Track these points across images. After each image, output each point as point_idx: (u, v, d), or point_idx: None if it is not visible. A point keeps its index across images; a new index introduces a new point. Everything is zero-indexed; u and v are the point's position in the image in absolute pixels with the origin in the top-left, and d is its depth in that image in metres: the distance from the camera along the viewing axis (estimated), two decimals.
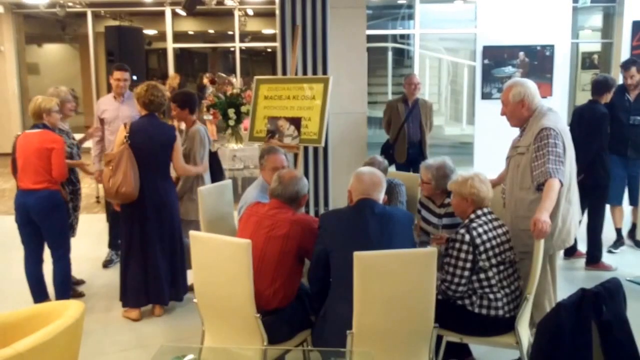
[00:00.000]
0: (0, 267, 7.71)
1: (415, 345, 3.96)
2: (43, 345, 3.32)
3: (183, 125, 7.09)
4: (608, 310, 3.23)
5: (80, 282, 6.83)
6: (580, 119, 7.05)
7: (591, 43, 16.95)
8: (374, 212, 4.09)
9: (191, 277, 6.37)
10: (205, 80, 15.07)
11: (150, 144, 5.79)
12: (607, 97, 7.07)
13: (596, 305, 3.22)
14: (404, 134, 8.68)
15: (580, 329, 3.19)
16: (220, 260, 4.12)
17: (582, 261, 7.36)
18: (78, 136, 6.96)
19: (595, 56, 16.64)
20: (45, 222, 5.90)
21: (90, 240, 8.20)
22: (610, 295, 3.31)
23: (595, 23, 16.74)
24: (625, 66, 7.43)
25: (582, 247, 7.40)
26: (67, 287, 6.12)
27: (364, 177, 4.24)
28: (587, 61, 16.78)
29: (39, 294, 5.98)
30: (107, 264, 7.44)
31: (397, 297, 3.79)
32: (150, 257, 5.91)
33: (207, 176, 6.41)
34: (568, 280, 6.71)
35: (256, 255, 4.07)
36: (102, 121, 7.21)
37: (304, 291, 4.52)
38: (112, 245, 7.51)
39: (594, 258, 7.24)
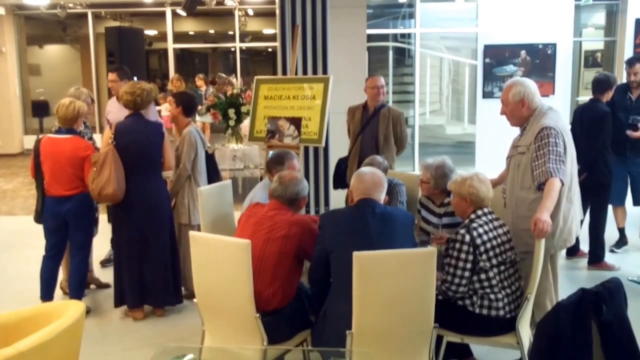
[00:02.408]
0: (1, 267, 7.71)
1: (415, 345, 3.96)
2: (44, 345, 3.35)
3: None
4: (608, 310, 3.23)
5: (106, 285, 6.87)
6: (582, 118, 7.03)
7: (594, 41, 16.93)
8: (374, 212, 4.10)
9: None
10: (199, 82, 15.00)
11: (136, 145, 5.80)
12: (609, 95, 7.03)
13: (596, 305, 3.22)
14: (357, 150, 7.13)
15: (580, 329, 3.19)
16: (220, 260, 4.13)
17: (584, 261, 7.35)
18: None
19: (599, 54, 16.63)
20: (80, 224, 5.96)
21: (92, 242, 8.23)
22: (610, 295, 3.31)
23: (598, 21, 16.72)
24: (630, 63, 7.39)
25: (585, 247, 7.39)
26: (83, 287, 6.18)
27: (365, 177, 4.24)
28: (590, 59, 16.76)
29: (47, 293, 6.00)
30: (105, 263, 7.46)
31: (397, 297, 3.80)
32: (140, 259, 5.93)
33: (202, 178, 6.38)
34: (570, 280, 6.70)
35: (255, 256, 4.08)
36: (108, 122, 7.21)
37: (304, 291, 4.54)
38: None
39: (596, 258, 7.23)
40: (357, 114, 7.18)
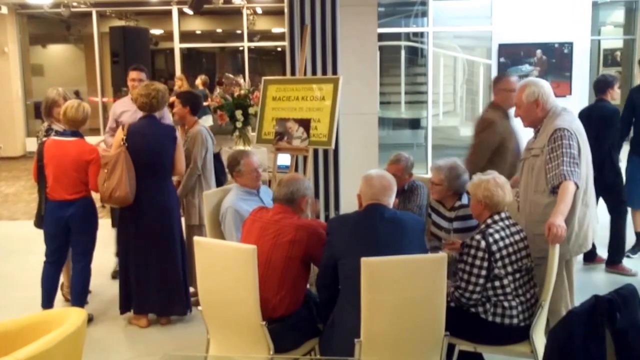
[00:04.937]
0: (3, 273, 7.75)
1: (425, 354, 3.96)
2: (44, 353, 3.34)
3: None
4: (622, 317, 3.22)
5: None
6: (589, 118, 7.01)
7: (613, 39, 16.90)
8: (383, 217, 4.10)
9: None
10: (198, 82, 15.00)
11: (148, 147, 5.81)
12: (613, 94, 7.11)
13: (610, 312, 3.21)
14: (514, 166, 5.84)
15: (593, 337, 3.19)
16: (225, 266, 4.14)
17: (602, 267, 7.34)
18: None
19: (618, 53, 16.60)
20: (83, 229, 5.97)
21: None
22: (624, 302, 3.30)
23: (617, 18, 16.70)
24: None
25: (603, 253, 7.37)
26: (86, 294, 6.20)
27: (373, 181, 4.23)
28: (609, 58, 16.75)
29: (48, 301, 6.01)
30: (116, 275, 7.40)
31: (406, 305, 3.81)
32: (148, 265, 5.93)
33: (213, 180, 6.45)
34: (587, 287, 6.66)
35: (262, 262, 4.10)
36: (118, 124, 7.14)
37: (312, 299, 4.55)
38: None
39: (614, 259, 7.25)
40: (507, 125, 6.14)
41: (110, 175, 5.64)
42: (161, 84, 6.07)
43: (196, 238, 4.31)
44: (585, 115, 7.17)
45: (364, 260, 3.68)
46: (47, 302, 6.00)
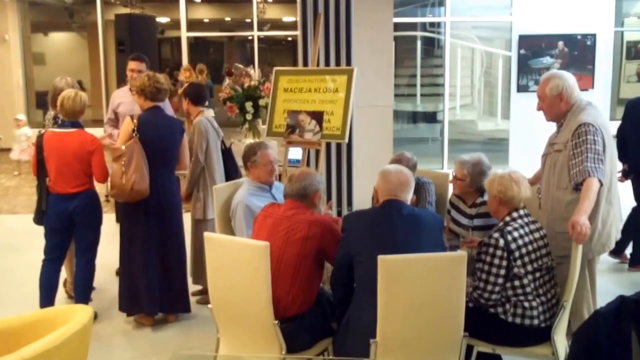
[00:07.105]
0: (4, 269, 7.79)
1: (443, 356, 3.96)
2: (49, 352, 3.34)
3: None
4: None
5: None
6: (633, 113, 6.97)
7: (637, 31, 16.81)
8: (401, 214, 4.09)
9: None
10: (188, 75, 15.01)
11: (158, 139, 5.81)
12: None
13: (636, 313, 3.21)
14: None
15: (619, 339, 3.18)
16: (236, 263, 4.15)
17: (625, 267, 7.31)
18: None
19: None
20: (87, 223, 5.96)
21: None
22: None
23: None
24: None
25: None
26: (89, 291, 6.20)
27: (391, 176, 4.23)
28: (632, 51, 16.65)
29: (48, 300, 5.95)
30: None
31: (424, 304, 3.81)
32: (152, 261, 5.92)
33: (218, 171, 6.43)
34: (610, 286, 6.65)
35: (273, 259, 4.09)
36: (116, 115, 7.20)
37: (325, 297, 4.55)
38: None
39: (637, 259, 7.21)
40: None
41: (127, 169, 5.60)
42: (160, 75, 6.10)
43: (207, 234, 4.31)
44: (629, 109, 7.11)
45: (381, 258, 3.68)
46: (46, 301, 5.92)
